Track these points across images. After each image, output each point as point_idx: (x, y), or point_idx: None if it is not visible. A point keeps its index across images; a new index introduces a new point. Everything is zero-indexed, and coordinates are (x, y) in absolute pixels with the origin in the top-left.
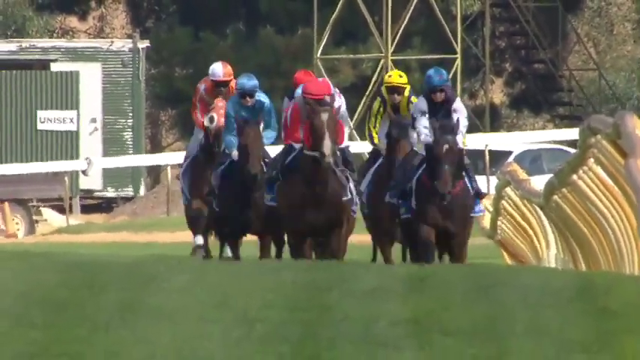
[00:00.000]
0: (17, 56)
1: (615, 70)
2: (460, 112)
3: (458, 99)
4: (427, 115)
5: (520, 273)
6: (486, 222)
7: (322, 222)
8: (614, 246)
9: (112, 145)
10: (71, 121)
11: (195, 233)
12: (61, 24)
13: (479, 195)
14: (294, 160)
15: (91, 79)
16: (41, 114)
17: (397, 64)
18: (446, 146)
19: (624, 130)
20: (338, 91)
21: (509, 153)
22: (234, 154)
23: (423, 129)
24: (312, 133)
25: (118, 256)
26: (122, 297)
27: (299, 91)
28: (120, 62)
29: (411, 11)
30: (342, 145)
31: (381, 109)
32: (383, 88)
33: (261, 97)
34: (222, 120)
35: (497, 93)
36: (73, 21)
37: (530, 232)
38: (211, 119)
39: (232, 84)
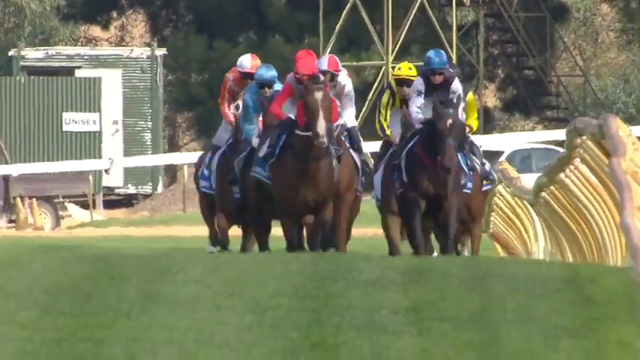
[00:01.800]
0: (44, 63)
1: (600, 76)
2: (459, 92)
3: (457, 80)
4: (422, 96)
5: (511, 265)
6: None
7: (315, 202)
8: (598, 239)
9: (132, 145)
10: (94, 123)
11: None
12: (85, 33)
13: (473, 170)
14: (287, 139)
15: (112, 84)
16: (66, 116)
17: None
18: (449, 121)
19: (608, 132)
20: (346, 71)
21: (501, 153)
22: (255, 141)
23: (416, 108)
24: (306, 113)
25: (138, 249)
26: (142, 287)
27: None
28: (139, 68)
29: (410, 21)
30: (349, 125)
31: (391, 101)
32: (392, 81)
33: (280, 88)
34: None
35: (490, 97)
36: (96, 30)
37: (521, 226)
38: (237, 107)
39: None
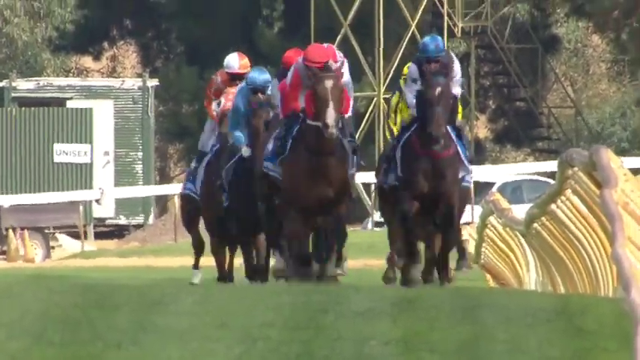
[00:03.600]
0: (36, 94)
1: (592, 107)
2: (457, 75)
3: (456, 63)
4: (418, 83)
5: (502, 295)
6: (471, 248)
7: (327, 197)
8: (589, 270)
9: (123, 176)
10: (85, 154)
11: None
12: (76, 64)
13: (471, 162)
14: (297, 131)
15: (103, 115)
16: (58, 147)
17: (388, 102)
18: (438, 89)
19: (599, 163)
20: (344, 58)
21: (493, 184)
22: (244, 150)
23: (410, 95)
24: (315, 102)
25: (129, 280)
26: (132, 317)
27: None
28: (131, 99)
29: (401, 53)
30: (345, 116)
31: (400, 104)
32: (401, 81)
33: (274, 92)
34: (229, 104)
35: (481, 129)
36: (87, 61)
37: (512, 257)
38: (218, 104)
39: None
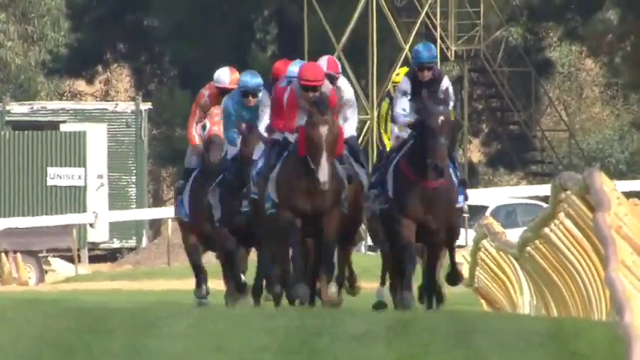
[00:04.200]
0: (29, 118)
1: (584, 131)
2: (449, 89)
3: (446, 78)
4: (408, 97)
5: (496, 319)
6: (465, 271)
7: (319, 222)
8: (583, 294)
9: (116, 199)
10: (79, 177)
11: (194, 269)
12: (70, 87)
13: (464, 184)
14: (287, 156)
15: (97, 138)
16: (51, 171)
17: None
18: (441, 118)
19: (592, 186)
20: (346, 80)
21: (486, 208)
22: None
23: (401, 111)
24: (308, 148)
25: (123, 303)
26: (127, 341)
27: (290, 77)
28: (124, 123)
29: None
30: (347, 136)
31: (390, 111)
32: (390, 88)
33: (265, 96)
34: (215, 129)
35: (474, 152)
36: (80, 85)
37: (506, 280)
38: (204, 127)
39: None
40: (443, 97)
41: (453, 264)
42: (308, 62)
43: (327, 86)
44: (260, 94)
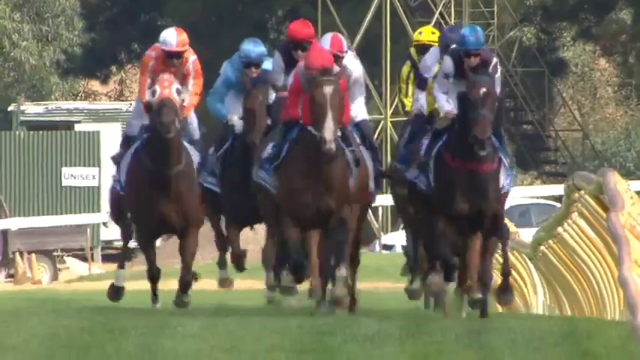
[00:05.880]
0: (44, 118)
1: (599, 131)
2: (497, 66)
3: (496, 62)
4: (451, 80)
5: (509, 319)
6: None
7: (325, 209)
8: (596, 293)
9: None
10: (93, 177)
11: (123, 238)
12: (84, 88)
13: (512, 167)
14: (295, 137)
15: (111, 138)
16: (66, 171)
17: (395, 126)
18: (483, 89)
19: (606, 186)
20: (354, 53)
21: None
22: (235, 119)
23: (442, 95)
24: (313, 110)
25: (136, 303)
26: (140, 341)
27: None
28: None
29: None
30: (359, 118)
31: (412, 75)
32: (412, 50)
33: (268, 65)
34: (166, 92)
35: None
36: (95, 85)
37: (519, 280)
38: (153, 92)
39: (187, 55)
40: (490, 70)
41: (506, 275)
42: (315, 50)
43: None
44: (264, 64)
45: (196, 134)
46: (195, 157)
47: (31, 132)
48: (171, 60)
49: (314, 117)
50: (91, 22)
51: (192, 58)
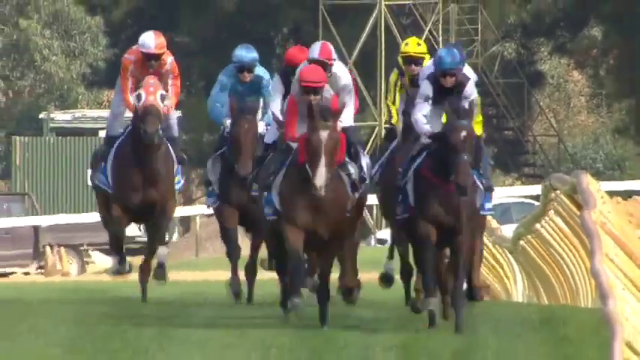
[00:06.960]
0: (71, 125)
1: (572, 136)
2: (472, 97)
3: (471, 83)
4: (430, 102)
5: (492, 307)
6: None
7: (321, 235)
8: (571, 283)
9: None
10: None
11: (112, 245)
12: (108, 97)
13: (490, 189)
14: (288, 168)
15: None
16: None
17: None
18: (463, 133)
19: (580, 186)
20: (343, 66)
21: None
22: (227, 122)
23: (422, 117)
24: (308, 152)
25: (155, 293)
26: (158, 327)
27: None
28: None
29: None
30: (346, 124)
31: (399, 82)
32: (399, 59)
33: (260, 71)
34: (151, 98)
35: None
36: None
37: (501, 272)
38: (138, 97)
39: (165, 57)
40: (468, 107)
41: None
42: (310, 64)
43: (328, 90)
44: (256, 69)
45: (175, 131)
46: (173, 154)
47: (60, 137)
48: (149, 62)
49: (308, 161)
50: (114, 39)
51: (169, 59)
